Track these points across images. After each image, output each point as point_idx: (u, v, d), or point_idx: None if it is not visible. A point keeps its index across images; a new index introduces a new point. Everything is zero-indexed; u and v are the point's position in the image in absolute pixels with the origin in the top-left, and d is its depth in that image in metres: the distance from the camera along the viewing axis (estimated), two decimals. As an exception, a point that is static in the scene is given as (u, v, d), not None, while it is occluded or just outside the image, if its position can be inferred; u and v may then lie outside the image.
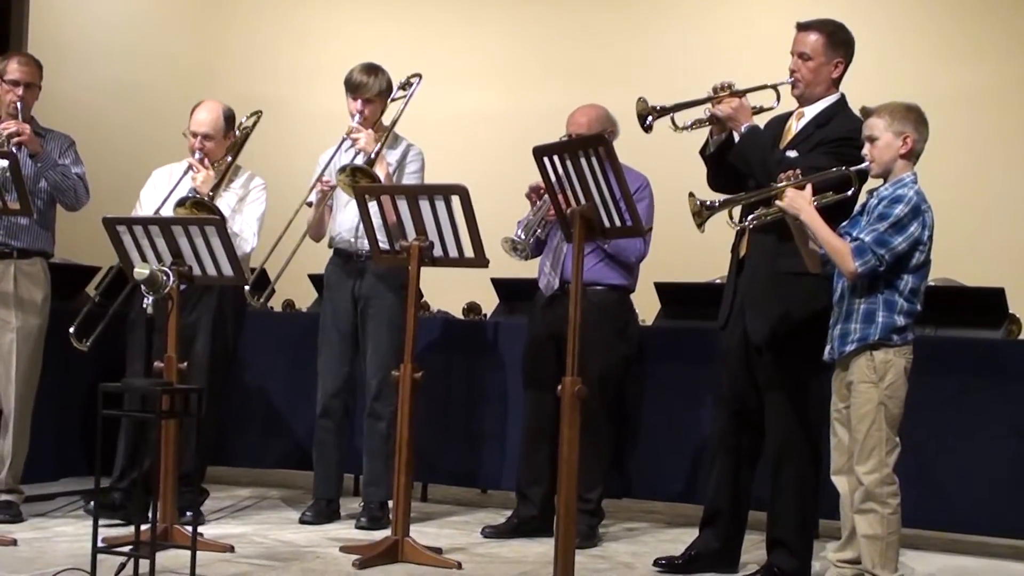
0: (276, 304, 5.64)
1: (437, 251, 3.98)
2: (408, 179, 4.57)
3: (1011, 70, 6.28)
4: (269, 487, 5.42)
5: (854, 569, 3.47)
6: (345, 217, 4.58)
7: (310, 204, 4.58)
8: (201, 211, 4.23)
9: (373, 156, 4.41)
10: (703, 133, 3.86)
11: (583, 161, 3.47)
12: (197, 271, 3.90)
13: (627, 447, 4.81)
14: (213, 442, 4.83)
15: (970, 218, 5.95)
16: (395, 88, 4.64)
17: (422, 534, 4.23)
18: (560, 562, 3.44)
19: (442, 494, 5.34)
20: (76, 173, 4.51)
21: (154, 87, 7.70)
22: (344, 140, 4.56)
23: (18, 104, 4.42)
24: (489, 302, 5.68)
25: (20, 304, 4.38)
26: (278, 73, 7.63)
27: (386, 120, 4.63)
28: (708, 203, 3.50)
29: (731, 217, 3.57)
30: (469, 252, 3.95)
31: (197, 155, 4.47)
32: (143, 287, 3.55)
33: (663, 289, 5.18)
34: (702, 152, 3.88)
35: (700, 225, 3.49)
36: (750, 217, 3.57)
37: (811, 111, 3.78)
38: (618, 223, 3.53)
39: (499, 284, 5.49)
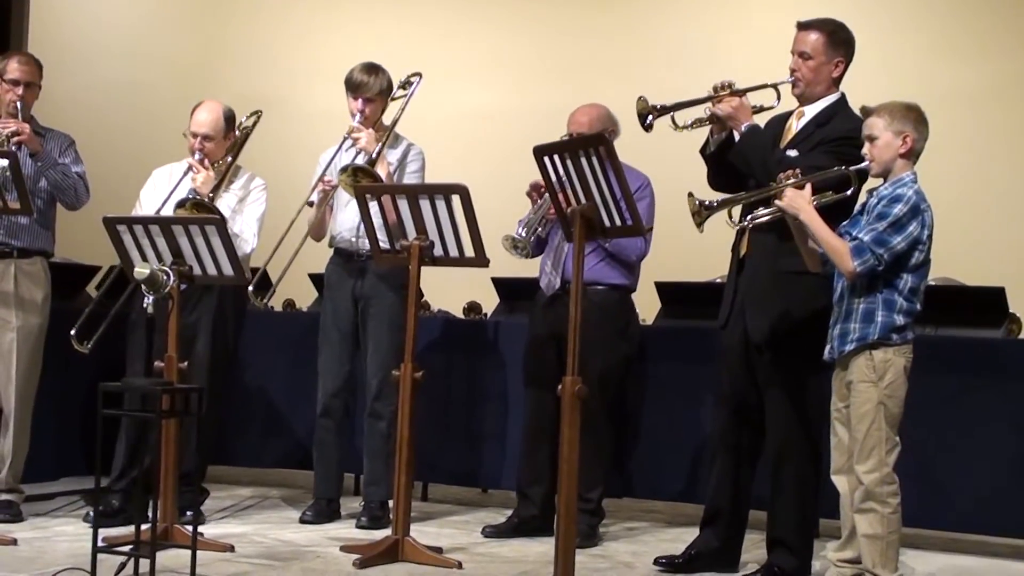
0: (276, 304, 5.64)
1: (437, 250, 3.98)
2: (409, 179, 4.57)
3: (1012, 69, 6.28)
4: (269, 487, 5.42)
5: (854, 568, 3.47)
6: (346, 217, 4.58)
7: (311, 204, 4.58)
8: (201, 212, 4.22)
9: (374, 156, 4.41)
10: (704, 132, 3.86)
11: (583, 160, 3.47)
12: (197, 271, 3.90)
13: (628, 447, 4.81)
14: (213, 441, 4.83)
15: (970, 217, 5.95)
16: (395, 87, 4.63)
17: (423, 534, 4.23)
18: (560, 561, 3.44)
19: (442, 493, 5.34)
20: (76, 172, 4.51)
21: (154, 87, 7.70)
22: (345, 140, 4.56)
23: (18, 103, 4.42)
24: (490, 301, 5.68)
25: (20, 303, 4.38)
26: (278, 73, 7.63)
27: (386, 119, 4.63)
28: (707, 203, 3.50)
29: (730, 217, 3.57)
30: (469, 251, 3.95)
31: (197, 156, 4.47)
32: (143, 287, 3.55)
33: (663, 288, 5.18)
34: (702, 151, 3.88)
35: (699, 225, 3.49)
36: (749, 217, 3.57)
37: (811, 110, 3.78)
38: (618, 222, 3.53)
39: (500, 283, 5.49)
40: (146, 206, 4.53)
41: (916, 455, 3.89)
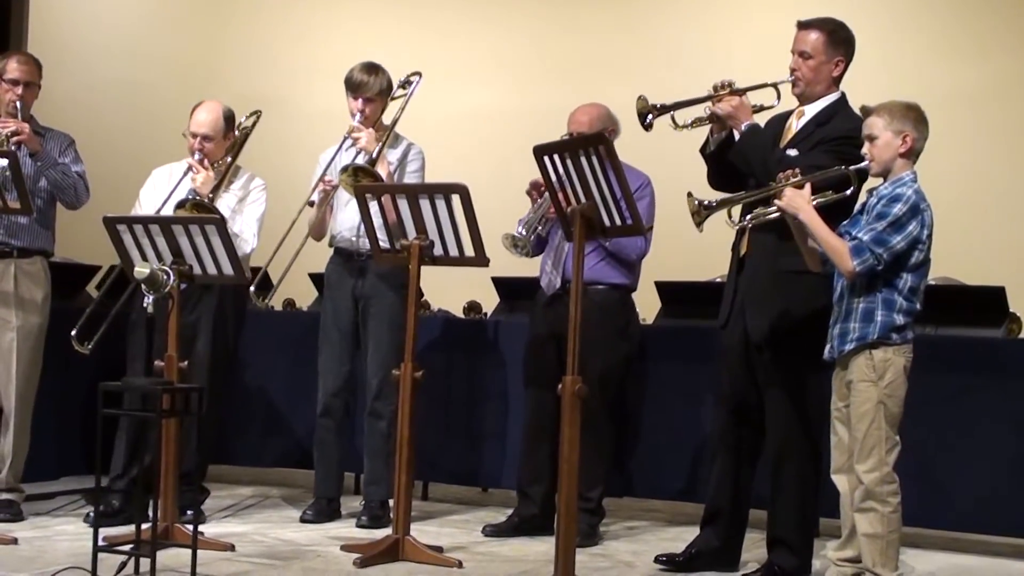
0: (277, 303, 5.64)
1: (437, 250, 3.98)
2: (409, 178, 4.57)
3: (1013, 68, 6.27)
4: (270, 486, 5.42)
5: (854, 568, 3.47)
6: (346, 216, 4.58)
7: (312, 204, 4.58)
8: (201, 212, 4.22)
9: (374, 155, 4.41)
10: (703, 131, 3.85)
11: (583, 160, 3.48)
12: (197, 270, 3.90)
13: (628, 446, 4.81)
14: (214, 441, 4.83)
15: (970, 217, 5.94)
16: (395, 87, 4.63)
17: (423, 533, 4.23)
18: (561, 561, 3.44)
19: (443, 493, 5.35)
20: (76, 172, 4.51)
21: (154, 86, 7.70)
22: (345, 139, 4.56)
23: (17, 103, 4.42)
24: (490, 301, 5.68)
25: (20, 303, 4.39)
26: (277, 72, 7.63)
27: (386, 119, 4.63)
28: (706, 203, 3.50)
29: (730, 216, 3.57)
30: (469, 251, 3.95)
31: (197, 156, 4.47)
32: (143, 286, 3.55)
33: (664, 288, 5.18)
34: (702, 150, 3.88)
35: (699, 225, 3.49)
36: (749, 216, 3.57)
37: (811, 110, 3.78)
38: (618, 222, 3.54)
39: (500, 283, 5.49)
40: (146, 206, 4.53)
41: (916, 454, 3.89)
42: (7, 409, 4.39)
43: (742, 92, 3.72)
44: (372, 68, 4.58)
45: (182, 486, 4.03)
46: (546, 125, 4.53)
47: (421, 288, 4.14)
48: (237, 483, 5.42)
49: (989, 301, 4.58)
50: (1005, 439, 4.30)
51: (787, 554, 3.72)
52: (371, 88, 4.54)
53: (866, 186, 3.56)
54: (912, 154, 3.43)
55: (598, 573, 3.87)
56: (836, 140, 3.65)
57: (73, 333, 4.38)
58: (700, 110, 3.75)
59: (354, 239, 4.56)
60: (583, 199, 3.52)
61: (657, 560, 3.90)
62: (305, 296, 5.90)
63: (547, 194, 3.84)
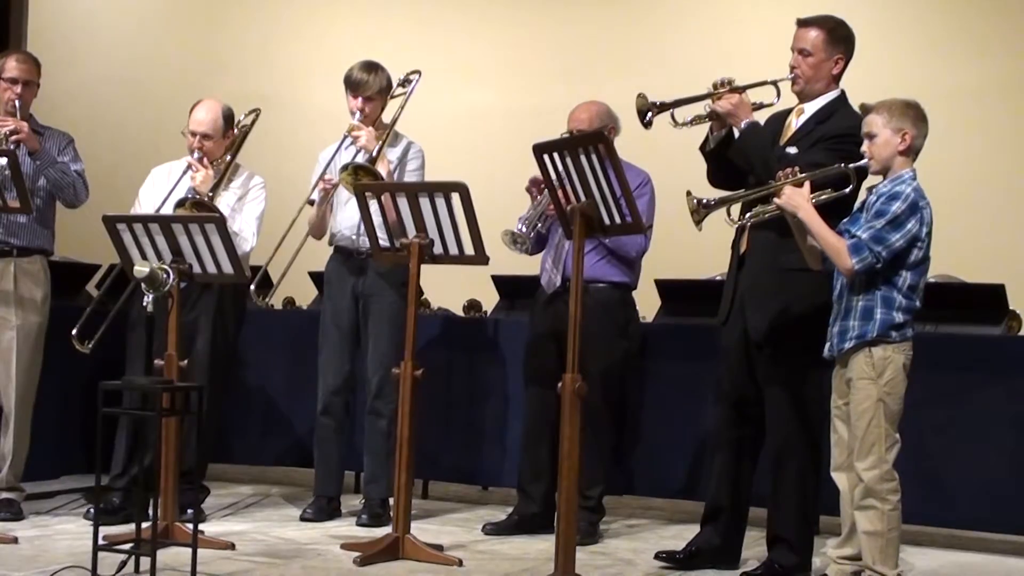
0: (277, 302, 5.64)
1: (437, 248, 3.98)
2: (409, 177, 4.57)
3: (1013, 66, 6.27)
4: (270, 484, 5.42)
5: (854, 565, 3.47)
6: (346, 215, 4.58)
7: (312, 202, 4.58)
8: (200, 211, 4.22)
9: (374, 154, 4.41)
10: (704, 129, 3.85)
11: (583, 158, 3.48)
12: (197, 269, 3.90)
13: (628, 444, 4.81)
14: (214, 439, 4.83)
15: (970, 214, 5.95)
16: (395, 85, 4.63)
17: (423, 531, 4.23)
18: (561, 559, 3.44)
19: (443, 491, 5.35)
20: (75, 170, 4.51)
21: (152, 85, 7.70)
22: (345, 138, 4.56)
23: (16, 102, 4.42)
24: (490, 299, 5.68)
25: (20, 302, 4.38)
26: (277, 71, 7.63)
27: (386, 118, 4.63)
28: (705, 201, 3.50)
29: (729, 214, 3.57)
30: (469, 249, 3.95)
31: (196, 154, 4.47)
32: (143, 285, 3.55)
33: (664, 286, 5.18)
34: (702, 148, 3.87)
35: (698, 223, 3.49)
36: (749, 214, 3.57)
37: (811, 107, 3.78)
38: (618, 220, 3.54)
39: (500, 281, 5.49)
40: (145, 205, 4.52)
41: (916, 452, 3.89)
42: (7, 408, 4.39)
43: (742, 90, 3.71)
44: (372, 67, 4.58)
45: (182, 485, 4.03)
46: (546, 123, 4.53)
47: (421, 286, 4.14)
48: (237, 482, 5.42)
49: (989, 299, 4.59)
50: (1005, 436, 4.30)
51: (787, 552, 3.72)
52: (371, 87, 4.54)
53: (866, 184, 3.55)
54: (911, 152, 3.43)
55: (598, 571, 3.87)
56: (835, 138, 3.65)
57: (74, 332, 4.38)
58: (700, 108, 3.74)
59: (354, 237, 4.56)
60: (583, 197, 3.51)
61: (657, 557, 3.89)
62: (305, 295, 5.90)
63: (547, 191, 3.84)
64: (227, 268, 3.90)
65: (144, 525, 3.48)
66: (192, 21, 7.99)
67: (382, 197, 4.09)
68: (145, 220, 3.93)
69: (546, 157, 3.56)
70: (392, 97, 4.63)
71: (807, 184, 3.41)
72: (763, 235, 3.71)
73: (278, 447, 5.44)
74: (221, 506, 4.82)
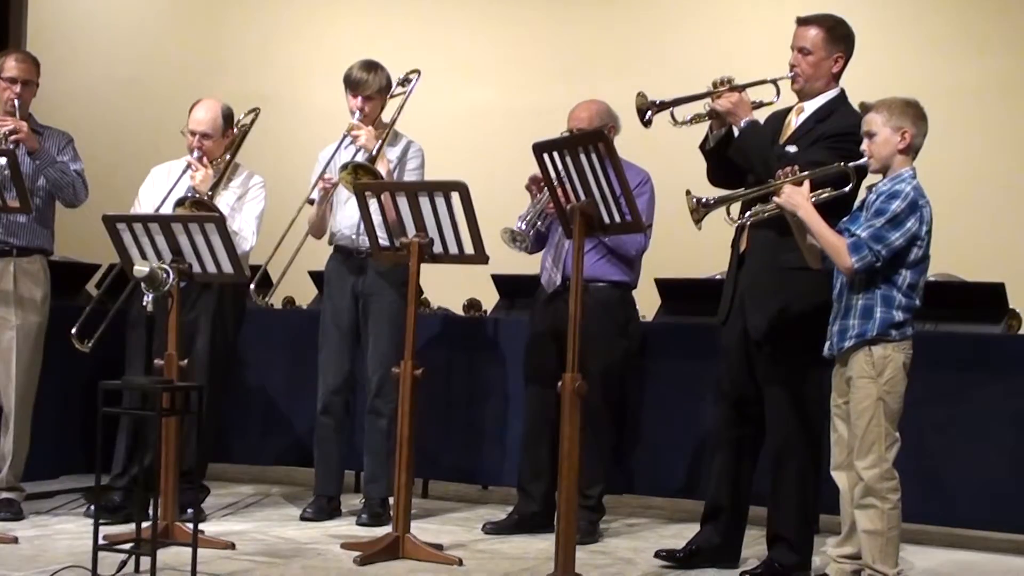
0: (276, 301, 5.64)
1: (437, 248, 3.98)
2: (408, 176, 4.57)
3: (1013, 64, 6.27)
4: (270, 484, 5.42)
5: (854, 564, 3.47)
6: (345, 214, 4.58)
7: (312, 202, 4.58)
8: (200, 210, 4.23)
9: (374, 153, 4.41)
10: (703, 128, 3.85)
11: (583, 157, 3.48)
12: (197, 269, 3.90)
13: (628, 443, 4.81)
14: (214, 439, 4.83)
15: (970, 213, 5.95)
16: (394, 85, 4.63)
17: (423, 530, 4.23)
18: (561, 558, 3.44)
19: (443, 490, 5.35)
20: (74, 170, 4.51)
21: (152, 84, 7.70)
22: (344, 137, 4.56)
23: (15, 101, 4.42)
24: (490, 298, 5.68)
25: (20, 302, 4.38)
26: (276, 70, 7.62)
27: (386, 117, 4.63)
28: (704, 200, 3.50)
29: (728, 213, 3.57)
30: (469, 249, 3.95)
31: (196, 154, 4.47)
32: (143, 285, 3.55)
33: (664, 285, 5.18)
34: (702, 147, 3.87)
35: (698, 222, 3.49)
36: (748, 213, 3.57)
37: (811, 106, 3.77)
38: (618, 219, 3.53)
39: (500, 280, 5.49)
40: (145, 204, 4.53)
41: (916, 451, 3.89)
42: (7, 408, 4.39)
43: (741, 88, 3.71)
44: (371, 66, 4.58)
45: (182, 484, 4.03)
46: (546, 122, 4.53)
47: (421, 286, 4.14)
48: (237, 481, 5.42)
49: (989, 297, 4.58)
50: (1005, 435, 4.30)
51: (787, 551, 3.72)
52: (370, 86, 4.54)
53: (865, 182, 3.55)
54: (911, 150, 3.43)
55: (598, 570, 3.87)
56: (835, 136, 3.64)
57: (73, 331, 4.39)
58: (699, 106, 3.74)
59: (354, 237, 4.56)
60: (583, 196, 3.51)
61: (657, 555, 3.89)
62: (305, 294, 5.90)
63: (547, 189, 3.84)
64: (227, 267, 3.90)
65: (144, 525, 3.48)
66: (192, 21, 7.99)
67: (382, 196, 4.09)
68: (145, 220, 3.93)
69: (546, 156, 3.56)
70: (392, 96, 4.63)
71: (807, 183, 3.41)
72: (763, 234, 3.71)
73: (278, 447, 5.44)
74: (221, 506, 4.82)
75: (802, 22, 3.78)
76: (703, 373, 4.50)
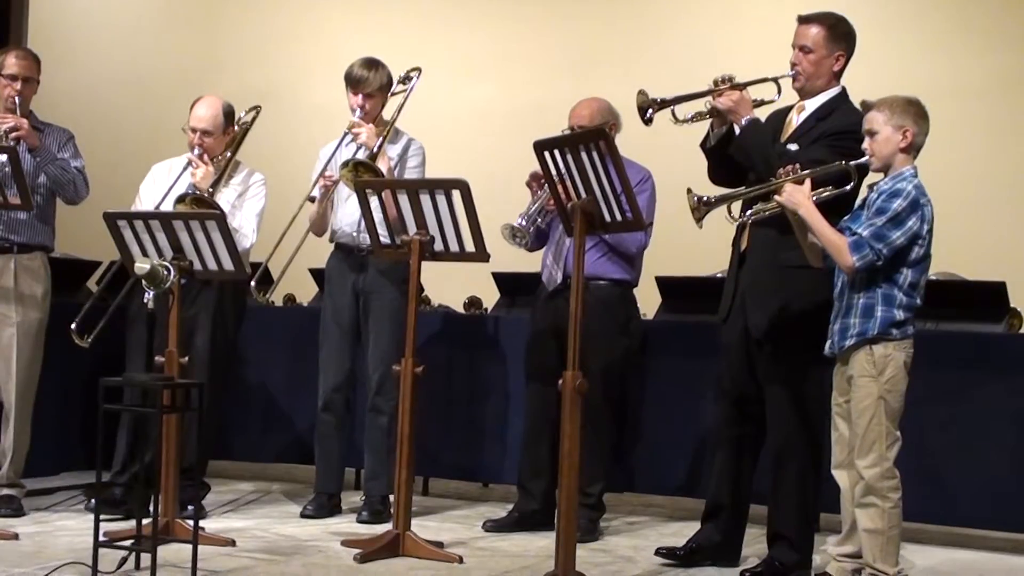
0: (277, 299, 5.65)
1: (438, 245, 3.98)
2: (409, 174, 4.57)
3: (1015, 63, 6.26)
4: (270, 481, 5.42)
5: (854, 563, 3.47)
6: (346, 212, 4.58)
7: (312, 199, 4.58)
8: (201, 207, 4.23)
9: (375, 151, 4.41)
10: (704, 126, 3.84)
11: (584, 155, 3.47)
12: (198, 266, 3.90)
13: (628, 441, 4.81)
14: (214, 436, 4.84)
15: (971, 212, 5.94)
16: (395, 82, 4.63)
17: (423, 528, 4.23)
18: (561, 556, 3.44)
19: (443, 488, 5.35)
20: (75, 167, 4.51)
21: (153, 81, 7.70)
22: (345, 135, 4.56)
23: (16, 99, 4.42)
24: (490, 296, 5.68)
25: (20, 299, 4.38)
26: (277, 67, 7.62)
27: (386, 115, 4.63)
28: (706, 199, 3.49)
29: (730, 212, 3.57)
30: (470, 246, 3.95)
31: (196, 151, 4.47)
32: (144, 282, 3.55)
33: (664, 283, 5.18)
34: (703, 145, 3.87)
35: (698, 221, 3.49)
36: (749, 212, 3.57)
37: (812, 104, 3.77)
38: (618, 217, 3.53)
39: (500, 278, 5.49)
40: (146, 201, 4.53)
41: (917, 450, 3.89)
42: (7, 405, 4.39)
43: (743, 87, 3.71)
44: (372, 64, 4.58)
45: (183, 481, 4.03)
46: (547, 120, 4.52)
47: (421, 283, 4.14)
48: (238, 478, 5.42)
49: (990, 296, 4.58)
50: (1006, 434, 4.29)
51: (787, 549, 3.72)
52: (371, 84, 4.54)
53: (867, 181, 3.55)
54: (912, 149, 3.42)
55: (599, 568, 3.87)
56: (836, 135, 3.64)
57: (73, 327, 4.39)
58: (701, 105, 3.74)
59: (355, 234, 4.56)
60: (584, 194, 3.51)
61: (658, 552, 3.89)
62: (306, 291, 5.90)
63: (547, 186, 3.84)
64: (227, 265, 3.90)
65: (145, 521, 3.48)
66: (191, 19, 7.98)
67: (383, 194, 4.09)
68: (146, 217, 3.93)
69: (547, 154, 3.56)
70: (393, 94, 4.63)
71: (808, 181, 3.41)
72: (764, 232, 3.70)
73: (278, 444, 5.44)
74: (221, 503, 4.82)
75: (803, 20, 3.77)
76: (704, 371, 4.50)
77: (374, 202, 4.09)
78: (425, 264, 4.00)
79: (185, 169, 4.48)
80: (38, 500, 4.61)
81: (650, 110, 3.67)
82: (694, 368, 4.69)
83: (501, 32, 7.37)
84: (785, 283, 3.69)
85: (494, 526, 4.44)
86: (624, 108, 4.23)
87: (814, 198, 3.39)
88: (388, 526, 4.06)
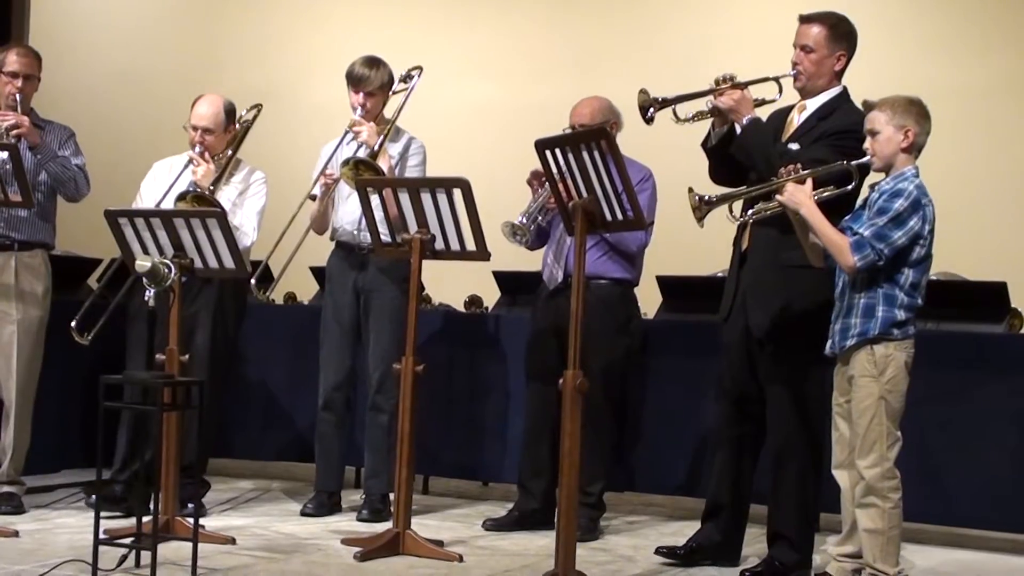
0: (278, 297, 5.64)
1: (439, 244, 3.98)
2: (410, 172, 4.57)
3: (1016, 63, 6.25)
4: (271, 479, 5.42)
5: (855, 563, 3.47)
6: (347, 210, 4.58)
7: (313, 198, 4.58)
8: (202, 205, 4.23)
9: (376, 149, 4.41)
10: (706, 125, 3.84)
11: (585, 154, 3.47)
12: (198, 263, 3.90)
13: (629, 440, 4.81)
14: (214, 434, 4.84)
15: (973, 212, 5.93)
16: (396, 81, 4.63)
17: (423, 527, 4.23)
18: (561, 555, 3.44)
19: (443, 487, 5.35)
20: (76, 164, 4.51)
21: (154, 79, 7.70)
22: (346, 133, 4.56)
23: (17, 96, 4.42)
24: (491, 295, 5.67)
25: (21, 296, 4.38)
26: (278, 66, 7.61)
27: (387, 113, 4.63)
28: (707, 198, 3.49)
29: (731, 211, 3.57)
30: (471, 245, 3.95)
31: (197, 149, 4.47)
32: (145, 280, 3.55)
33: (665, 282, 5.17)
34: (704, 145, 3.87)
35: (700, 220, 3.49)
36: (750, 211, 3.57)
37: (813, 104, 3.77)
38: (619, 216, 3.53)
39: (501, 277, 5.49)
40: (147, 199, 4.53)
41: (917, 450, 3.89)
42: (8, 402, 4.39)
43: (744, 86, 3.71)
44: (373, 62, 4.57)
45: (183, 479, 4.04)
46: (548, 119, 4.52)
47: (422, 282, 4.14)
48: (238, 476, 5.42)
49: (991, 296, 4.58)
50: (1006, 434, 4.29)
51: (788, 549, 3.72)
52: (372, 82, 4.54)
53: (868, 181, 3.55)
54: (914, 149, 3.42)
55: (599, 567, 3.87)
56: (838, 134, 3.64)
57: (73, 324, 4.39)
58: (702, 104, 3.73)
59: (355, 233, 4.56)
60: (584, 193, 3.51)
61: (658, 551, 3.90)
62: (306, 290, 5.90)
63: (548, 185, 3.84)
64: (228, 263, 3.90)
65: (145, 519, 3.48)
66: (193, 17, 7.98)
67: (383, 192, 4.09)
68: (147, 214, 3.94)
69: (548, 153, 3.55)
70: (394, 93, 4.63)
71: (809, 181, 3.40)
72: (765, 232, 3.70)
73: (279, 442, 5.44)
74: (221, 501, 4.82)
75: (805, 19, 3.77)
76: (704, 371, 4.49)
77: (375, 200, 4.09)
78: (426, 263, 4.00)
79: (186, 167, 4.48)
80: (38, 497, 4.61)
81: (651, 109, 3.67)
82: (695, 367, 4.69)
83: (502, 31, 7.37)
84: (786, 283, 3.69)
85: (494, 525, 4.44)
86: (625, 107, 4.23)
87: (815, 198, 3.39)
88: (388, 524, 4.06)
